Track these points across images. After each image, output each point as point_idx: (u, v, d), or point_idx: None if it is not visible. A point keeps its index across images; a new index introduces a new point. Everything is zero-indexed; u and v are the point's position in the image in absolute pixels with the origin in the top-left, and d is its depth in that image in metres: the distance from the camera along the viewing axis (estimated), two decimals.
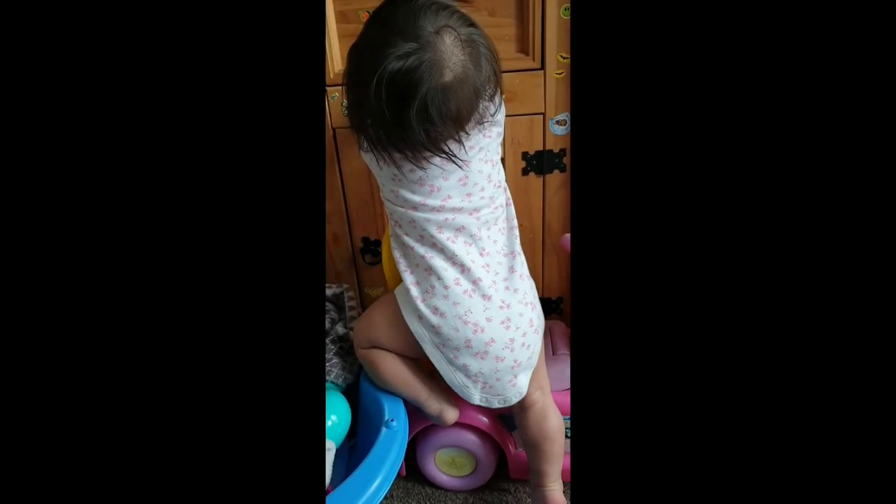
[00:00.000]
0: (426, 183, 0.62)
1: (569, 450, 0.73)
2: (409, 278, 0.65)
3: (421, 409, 0.71)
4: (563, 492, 0.71)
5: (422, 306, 0.64)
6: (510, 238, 0.68)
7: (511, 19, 0.73)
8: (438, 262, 0.63)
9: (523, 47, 0.75)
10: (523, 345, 0.65)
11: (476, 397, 0.67)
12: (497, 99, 0.62)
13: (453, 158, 0.59)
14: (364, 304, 0.94)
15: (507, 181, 0.70)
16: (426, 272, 0.64)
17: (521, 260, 0.67)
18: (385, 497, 0.62)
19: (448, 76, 0.55)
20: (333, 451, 0.64)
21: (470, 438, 0.77)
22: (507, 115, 0.77)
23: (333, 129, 0.80)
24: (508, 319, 0.64)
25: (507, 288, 0.65)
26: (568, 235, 0.79)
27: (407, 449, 0.67)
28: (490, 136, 0.64)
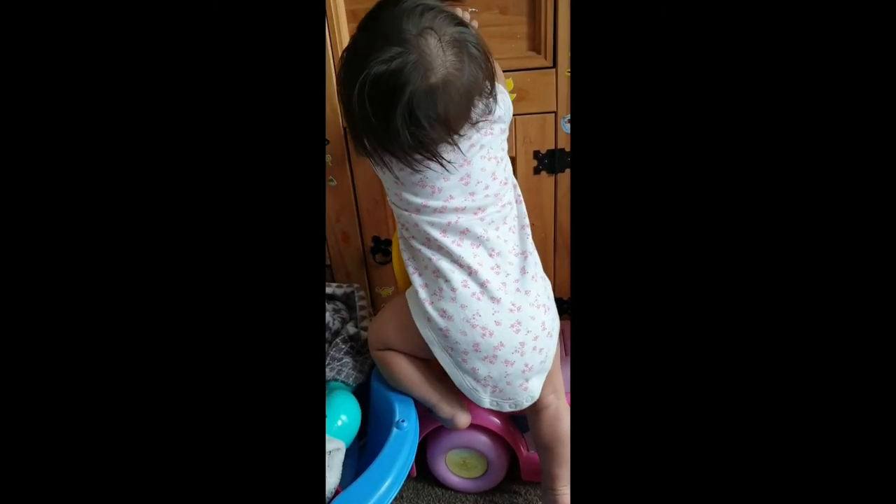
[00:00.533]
0: (427, 184, 0.61)
1: None
2: (417, 280, 0.65)
3: (433, 411, 0.71)
4: None
5: (430, 309, 0.63)
6: (521, 237, 0.66)
7: (523, 17, 0.73)
8: (445, 264, 0.62)
9: (535, 46, 0.74)
10: (535, 349, 0.64)
11: (486, 401, 0.66)
12: (494, 97, 0.60)
13: (442, 162, 0.58)
14: (374, 303, 0.94)
15: (518, 180, 0.69)
16: (434, 274, 0.63)
17: (533, 260, 0.66)
18: (395, 498, 0.62)
19: (433, 78, 0.54)
20: (343, 451, 0.64)
21: (481, 440, 0.76)
22: (518, 114, 0.77)
23: (344, 129, 0.80)
24: (519, 323, 0.63)
25: (518, 290, 0.64)
26: None
27: (418, 450, 0.67)
28: (492, 134, 0.62)
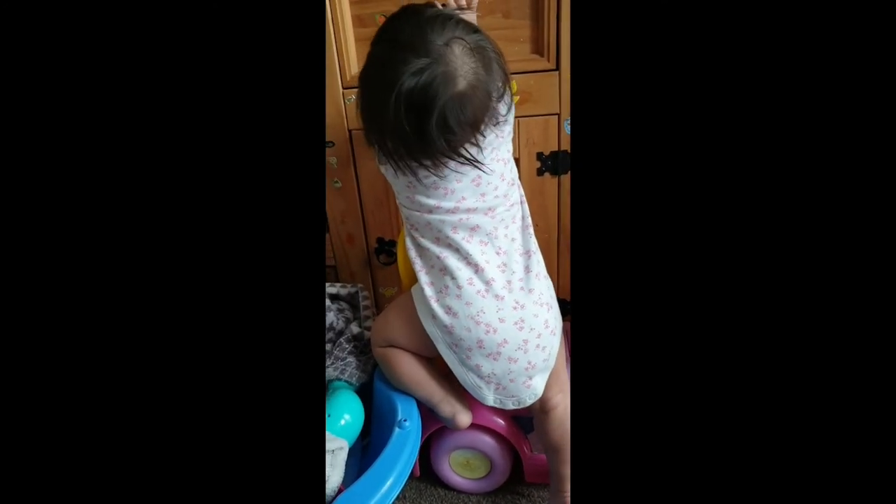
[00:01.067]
0: (441, 186, 0.63)
1: None
2: (424, 278, 0.66)
3: (434, 410, 0.71)
4: None
5: (435, 306, 0.64)
6: (525, 237, 0.68)
7: (526, 20, 0.74)
8: (453, 261, 0.64)
9: (538, 48, 0.75)
10: (538, 346, 0.65)
11: (490, 398, 0.66)
12: (507, 98, 0.63)
13: (476, 164, 0.60)
14: (378, 303, 0.94)
15: (522, 182, 0.70)
16: (441, 272, 0.64)
17: (536, 259, 0.67)
18: (398, 497, 0.62)
19: (462, 85, 0.56)
20: (346, 450, 0.65)
21: (485, 440, 0.76)
22: (522, 116, 0.77)
23: (349, 131, 0.81)
24: (522, 320, 0.64)
25: (521, 288, 0.65)
26: None
27: (421, 450, 0.67)
28: (502, 136, 0.64)
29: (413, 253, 0.67)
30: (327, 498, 0.61)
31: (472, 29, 0.59)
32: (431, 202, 0.63)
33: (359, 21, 0.76)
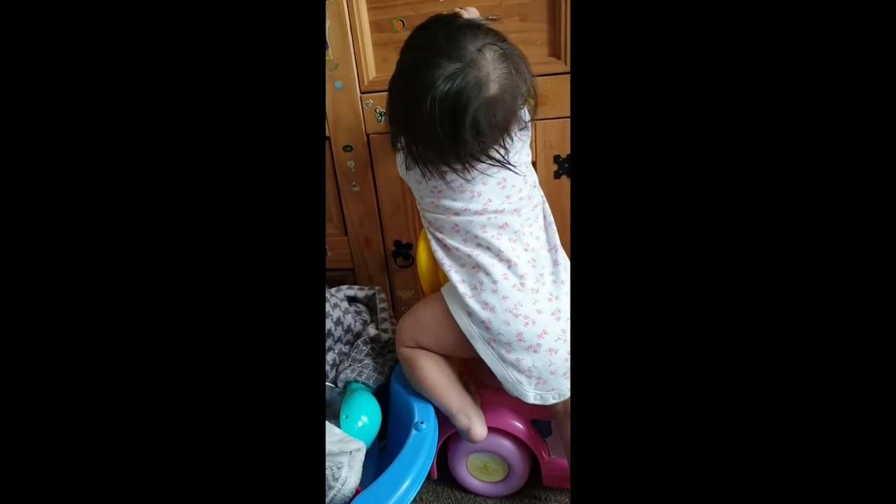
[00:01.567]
0: (467, 189, 0.64)
1: None
2: (455, 276, 0.66)
3: (450, 420, 0.71)
4: None
5: (471, 302, 0.64)
6: (549, 233, 0.69)
7: (543, 24, 0.74)
8: (485, 258, 0.64)
9: (555, 51, 0.75)
10: None
11: (530, 395, 0.66)
12: (531, 104, 0.64)
13: (507, 165, 0.62)
14: (395, 306, 0.95)
15: (539, 184, 0.71)
16: (473, 269, 0.65)
17: (562, 254, 0.68)
18: (414, 499, 0.62)
19: (493, 89, 0.58)
20: (364, 452, 0.65)
21: (503, 444, 0.76)
22: (539, 119, 0.77)
23: (367, 136, 0.82)
24: (559, 311, 0.65)
25: (553, 281, 0.66)
26: None
27: (439, 453, 0.67)
28: (523, 140, 0.66)
29: (440, 254, 0.68)
30: (345, 499, 0.62)
31: (501, 37, 0.60)
32: (458, 205, 0.64)
33: (376, 26, 0.77)
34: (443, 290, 0.69)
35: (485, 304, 0.64)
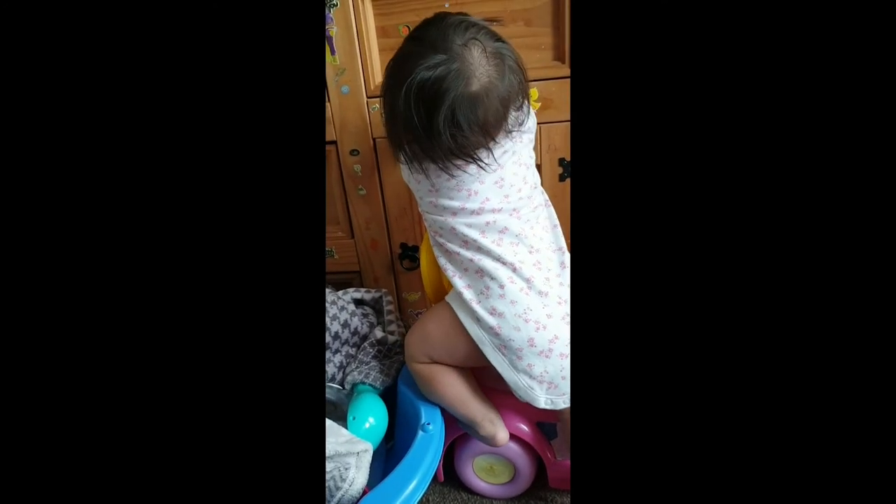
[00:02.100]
0: (463, 188, 0.63)
1: None
2: (459, 283, 0.65)
3: (473, 429, 0.70)
4: None
5: (478, 308, 0.63)
6: (555, 235, 0.68)
7: (548, 28, 0.74)
8: (488, 262, 0.63)
9: (559, 55, 0.76)
10: None
11: (542, 400, 0.65)
12: (525, 108, 0.64)
13: (479, 163, 0.61)
14: (402, 308, 0.95)
15: (544, 187, 0.71)
16: (477, 274, 0.64)
17: (569, 256, 0.67)
18: (421, 501, 0.63)
19: (475, 85, 0.57)
20: (371, 453, 0.65)
21: (509, 446, 0.76)
22: (544, 123, 0.78)
23: (374, 140, 0.83)
24: (569, 315, 0.63)
25: (561, 284, 0.65)
26: None
27: (446, 454, 0.67)
28: (521, 142, 0.65)
29: (443, 260, 0.67)
30: (352, 499, 0.62)
31: (495, 37, 0.60)
32: (455, 204, 0.63)
33: (383, 32, 0.77)
34: (447, 298, 0.68)
35: (493, 310, 0.63)
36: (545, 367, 0.63)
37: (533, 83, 0.76)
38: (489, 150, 0.61)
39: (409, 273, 0.92)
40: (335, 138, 0.83)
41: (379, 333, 0.81)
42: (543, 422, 0.77)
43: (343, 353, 0.81)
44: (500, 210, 0.63)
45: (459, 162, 0.61)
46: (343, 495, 0.62)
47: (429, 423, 0.67)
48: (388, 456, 0.75)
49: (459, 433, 0.76)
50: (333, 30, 0.76)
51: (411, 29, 0.67)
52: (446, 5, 0.74)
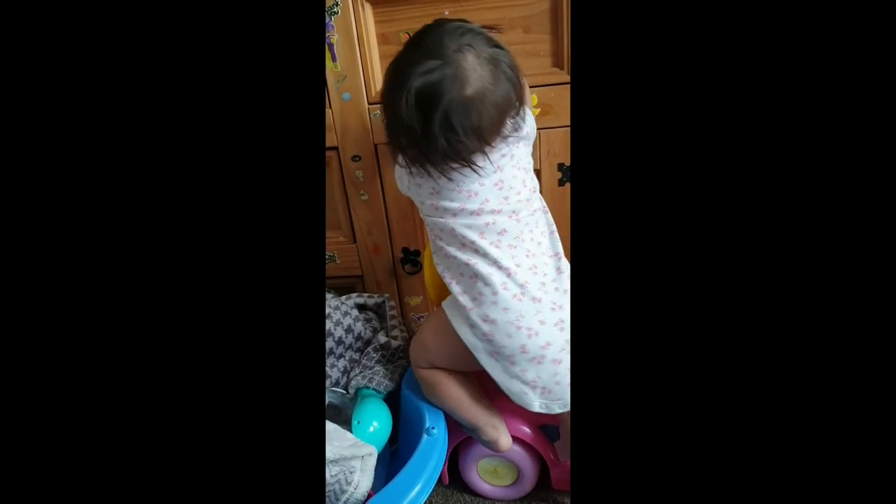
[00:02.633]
0: (463, 189, 0.64)
1: None
2: (456, 288, 0.66)
3: (476, 433, 0.71)
4: None
5: (472, 315, 0.64)
6: (552, 240, 0.68)
7: (546, 35, 0.75)
8: (483, 267, 0.63)
9: (558, 62, 0.76)
10: None
11: (536, 404, 0.66)
12: (522, 114, 0.64)
13: (475, 168, 0.62)
14: (404, 312, 0.96)
15: (543, 192, 0.72)
16: (472, 279, 0.64)
17: (566, 262, 0.67)
18: (425, 503, 0.63)
19: (469, 90, 0.58)
20: (375, 456, 0.66)
21: (513, 449, 0.77)
22: (543, 128, 0.78)
23: (375, 146, 0.84)
24: (562, 321, 0.64)
25: (556, 289, 0.65)
26: None
27: (450, 457, 0.67)
28: (519, 147, 0.66)
29: (441, 266, 0.68)
30: (357, 503, 0.63)
31: (491, 43, 0.61)
32: (455, 205, 0.64)
33: (383, 39, 0.78)
34: (444, 304, 0.69)
35: (486, 317, 0.63)
36: (537, 373, 0.64)
37: (531, 89, 0.76)
38: (485, 154, 0.62)
39: (410, 277, 0.93)
40: (337, 144, 0.84)
41: (382, 338, 0.81)
42: (546, 424, 0.77)
43: (347, 358, 0.81)
44: (499, 211, 0.64)
45: (456, 166, 0.62)
46: (348, 499, 0.62)
47: (433, 427, 0.68)
48: (392, 459, 0.76)
49: (463, 436, 0.77)
50: (334, 37, 0.77)
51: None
52: (446, 12, 0.75)
